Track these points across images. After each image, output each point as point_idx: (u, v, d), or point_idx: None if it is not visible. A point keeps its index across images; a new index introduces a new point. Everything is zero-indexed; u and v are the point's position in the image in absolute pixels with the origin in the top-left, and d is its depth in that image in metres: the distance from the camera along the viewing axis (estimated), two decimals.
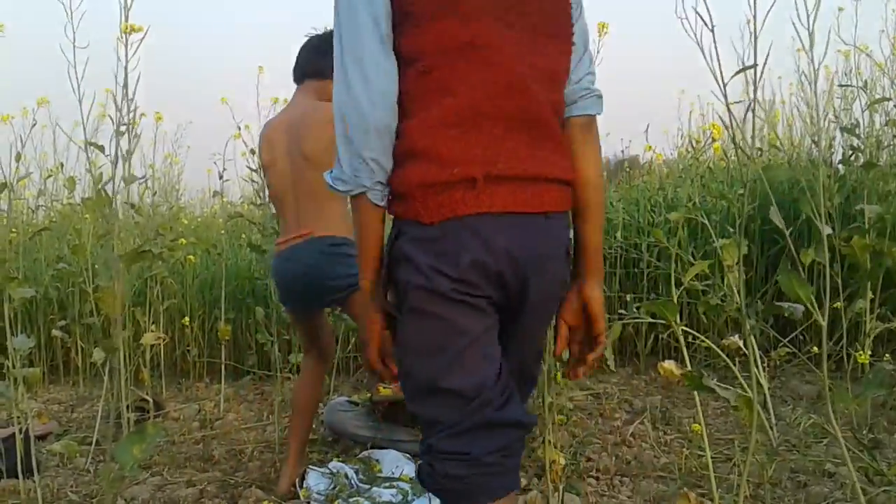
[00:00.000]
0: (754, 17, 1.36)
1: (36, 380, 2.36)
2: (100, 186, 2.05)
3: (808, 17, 1.48)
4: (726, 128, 1.50)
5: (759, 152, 4.50)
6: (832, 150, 3.73)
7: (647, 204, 3.93)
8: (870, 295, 2.65)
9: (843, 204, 3.15)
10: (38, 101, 3.28)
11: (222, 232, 4.56)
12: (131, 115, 2.06)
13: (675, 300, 1.81)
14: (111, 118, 2.34)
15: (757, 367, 2.35)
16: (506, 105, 1.15)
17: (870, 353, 2.59)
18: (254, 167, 3.19)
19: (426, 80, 1.14)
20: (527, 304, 1.19)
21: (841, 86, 3.70)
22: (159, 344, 3.54)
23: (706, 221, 2.42)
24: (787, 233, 1.74)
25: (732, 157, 1.61)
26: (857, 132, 3.12)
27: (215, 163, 3.54)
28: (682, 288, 2.07)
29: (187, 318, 3.85)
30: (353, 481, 2.33)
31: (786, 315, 1.47)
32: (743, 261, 1.61)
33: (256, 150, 2.78)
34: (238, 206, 5.46)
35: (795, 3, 1.48)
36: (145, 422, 3.09)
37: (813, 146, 3.39)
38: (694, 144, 4.78)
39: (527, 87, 1.16)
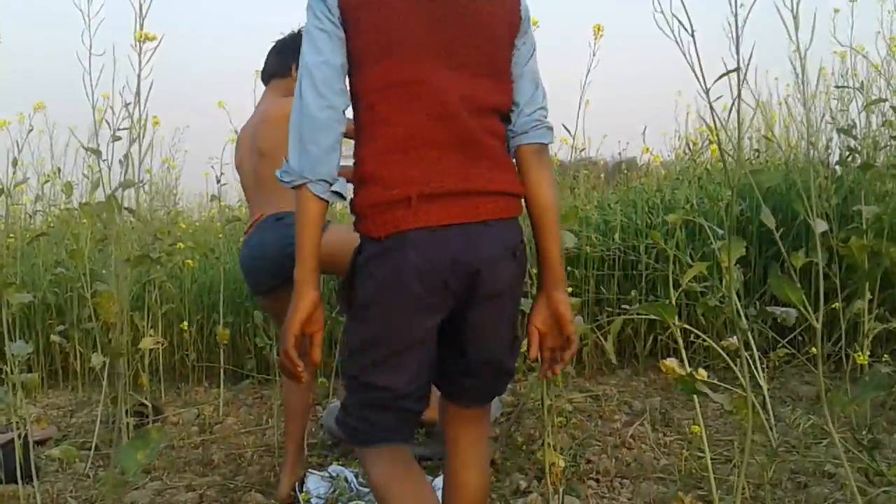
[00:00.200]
0: (735, 17, 1.37)
1: (35, 385, 2.36)
2: (110, 193, 2.06)
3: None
4: (710, 130, 1.51)
5: (757, 154, 4.52)
6: (829, 151, 3.74)
7: (645, 206, 3.93)
8: (868, 295, 2.66)
9: (841, 205, 3.16)
10: (35, 107, 3.28)
11: (220, 236, 4.55)
12: (143, 121, 2.07)
13: (674, 302, 1.82)
14: (108, 123, 2.34)
15: (755, 368, 2.36)
16: (439, 132, 1.33)
17: (868, 353, 2.59)
18: None
19: (371, 114, 1.35)
20: (475, 303, 1.36)
21: (837, 87, 3.71)
22: (158, 348, 3.54)
23: (704, 223, 2.43)
24: (779, 234, 1.74)
25: (727, 159, 1.61)
26: (853, 133, 3.12)
27: (212, 167, 3.55)
28: (681, 290, 2.07)
29: (186, 323, 3.85)
30: (352, 485, 2.34)
31: (778, 321, 1.47)
32: (740, 262, 1.61)
33: None
34: (236, 210, 5.47)
35: None
36: (147, 426, 3.10)
37: (810, 147, 3.39)
38: (690, 146, 4.79)
39: (457, 114, 1.34)
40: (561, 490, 2.13)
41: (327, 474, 2.40)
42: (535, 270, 1.67)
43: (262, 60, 2.61)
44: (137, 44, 1.85)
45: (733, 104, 1.41)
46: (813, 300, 1.53)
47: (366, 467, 1.46)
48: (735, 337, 1.86)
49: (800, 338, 3.24)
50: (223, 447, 2.93)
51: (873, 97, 3.31)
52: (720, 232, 2.26)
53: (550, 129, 1.46)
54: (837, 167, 3.37)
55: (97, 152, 2.41)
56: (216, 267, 3.96)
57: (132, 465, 1.25)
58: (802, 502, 2.09)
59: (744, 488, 1.94)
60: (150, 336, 3.19)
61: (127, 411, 2.58)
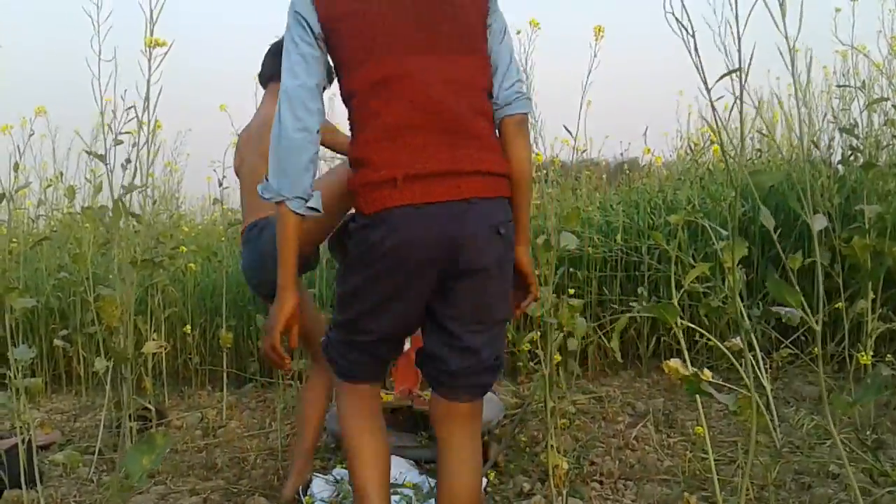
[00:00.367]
0: (736, 17, 1.37)
1: (38, 390, 2.36)
2: (118, 197, 2.06)
3: None
4: (713, 131, 1.51)
5: (759, 153, 4.51)
6: (831, 150, 3.73)
7: (647, 206, 3.93)
8: (871, 295, 2.65)
9: (843, 204, 3.15)
10: (36, 111, 3.27)
11: (223, 239, 4.55)
12: (151, 127, 2.09)
13: (676, 303, 1.81)
14: (111, 127, 2.34)
15: (759, 369, 2.35)
16: (424, 118, 1.48)
17: (872, 353, 2.58)
18: None
19: (362, 109, 1.51)
20: (461, 277, 1.51)
21: (839, 86, 3.71)
22: (161, 352, 3.54)
23: (706, 224, 2.42)
24: (781, 234, 1.74)
25: (729, 160, 1.62)
26: (855, 132, 3.12)
27: (214, 170, 3.55)
28: (683, 290, 2.07)
29: (188, 326, 3.85)
30: None
31: (783, 320, 1.47)
32: (743, 262, 1.61)
33: None
34: (238, 213, 5.46)
35: None
36: (151, 431, 3.10)
37: (812, 146, 3.39)
38: (692, 146, 4.78)
39: (442, 100, 1.49)
40: (564, 492, 2.13)
41: (332, 478, 2.40)
42: (537, 272, 1.68)
43: (259, 63, 2.61)
44: (147, 49, 1.86)
45: (734, 104, 1.41)
46: (815, 301, 1.53)
47: (338, 401, 1.74)
48: (738, 338, 1.85)
49: (803, 338, 3.24)
50: (227, 451, 2.93)
51: (875, 96, 3.30)
52: (723, 233, 2.25)
53: (529, 99, 1.63)
54: (840, 166, 3.37)
55: (102, 157, 2.42)
56: (218, 270, 3.96)
57: (137, 471, 1.25)
58: (806, 503, 2.09)
59: (748, 489, 1.94)
60: (154, 340, 3.20)
61: (130, 415, 2.57)
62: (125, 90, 2.26)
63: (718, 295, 2.66)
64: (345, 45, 1.50)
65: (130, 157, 2.40)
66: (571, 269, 3.59)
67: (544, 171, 3.95)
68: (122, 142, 2.41)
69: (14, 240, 3.95)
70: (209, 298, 4.11)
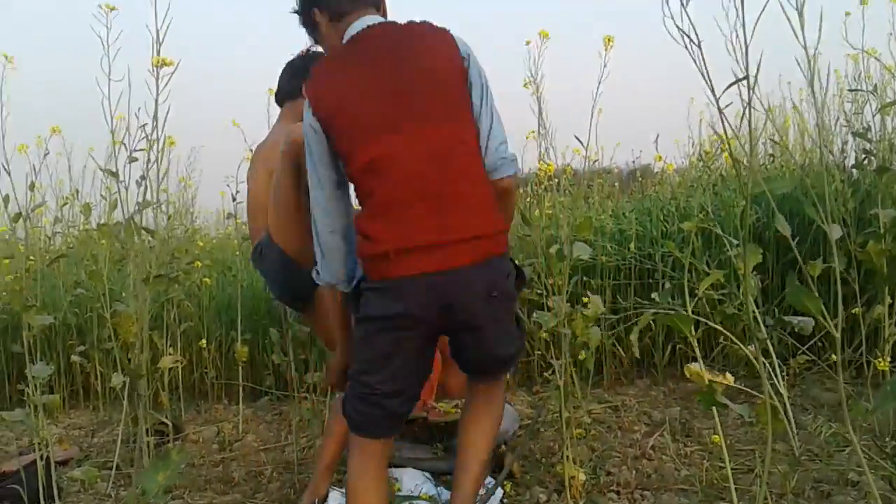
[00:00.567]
0: (744, 24, 1.37)
1: (56, 406, 2.38)
2: (129, 216, 2.10)
3: None
4: (721, 139, 1.51)
5: (772, 158, 4.49)
6: (844, 154, 3.71)
7: (660, 214, 3.91)
8: (888, 300, 2.63)
9: (858, 209, 3.13)
10: (51, 130, 3.31)
11: (237, 253, 4.57)
12: (161, 145, 2.13)
13: (690, 311, 1.81)
14: (125, 145, 2.37)
15: (776, 376, 2.34)
16: (410, 193, 1.63)
17: (889, 359, 2.56)
18: None
19: (361, 190, 1.71)
20: (459, 328, 1.74)
21: (851, 90, 3.69)
22: (177, 367, 3.56)
23: (720, 231, 2.41)
24: (796, 240, 1.73)
25: (741, 168, 1.61)
26: (868, 136, 3.10)
27: (228, 185, 3.57)
28: (697, 298, 2.06)
29: (204, 341, 3.87)
30: None
31: (796, 330, 1.46)
32: (758, 269, 1.61)
33: None
34: None
35: None
36: (167, 446, 3.11)
37: (825, 150, 3.37)
38: (703, 154, 4.77)
39: (423, 173, 1.63)
40: (582, 503, 2.12)
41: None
42: (549, 281, 1.67)
43: (272, 81, 2.63)
44: (154, 69, 1.91)
45: (744, 113, 1.41)
46: (832, 307, 1.52)
47: (349, 454, 1.83)
48: (753, 346, 1.84)
49: (820, 344, 3.21)
50: (243, 465, 2.94)
51: (887, 100, 3.28)
52: (735, 242, 2.25)
53: (514, 160, 1.76)
54: (854, 171, 3.34)
55: (114, 174, 2.44)
56: (233, 284, 3.97)
57: (153, 486, 1.26)
58: None
59: (766, 498, 1.92)
60: (170, 355, 3.22)
61: (147, 430, 2.59)
62: (139, 108, 2.29)
63: (734, 302, 2.65)
64: (339, 138, 1.69)
65: (145, 174, 2.42)
66: (585, 279, 3.58)
67: (556, 181, 3.95)
68: (136, 159, 2.44)
69: (31, 258, 3.98)
70: (224, 312, 4.12)
